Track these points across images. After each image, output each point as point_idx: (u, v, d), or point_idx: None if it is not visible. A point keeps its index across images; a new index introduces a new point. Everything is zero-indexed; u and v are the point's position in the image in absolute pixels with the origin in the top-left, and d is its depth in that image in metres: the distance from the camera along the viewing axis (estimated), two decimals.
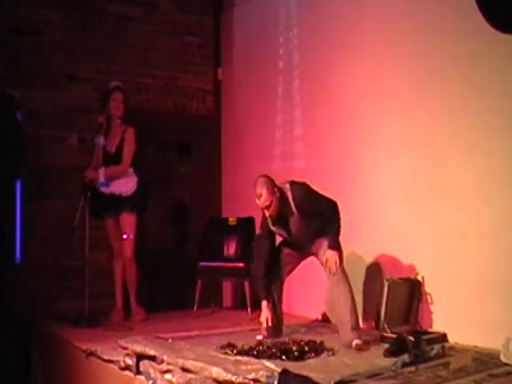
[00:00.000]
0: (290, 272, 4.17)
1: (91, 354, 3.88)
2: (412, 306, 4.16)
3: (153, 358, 3.47)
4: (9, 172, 4.96)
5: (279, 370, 3.01)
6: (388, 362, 3.33)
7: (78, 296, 4.95)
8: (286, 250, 4.12)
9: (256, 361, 3.33)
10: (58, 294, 5.29)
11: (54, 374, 4.50)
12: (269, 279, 4.07)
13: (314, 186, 3.99)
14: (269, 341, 3.87)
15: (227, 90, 6.33)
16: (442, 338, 3.90)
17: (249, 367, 3.17)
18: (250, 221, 5.43)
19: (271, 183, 3.90)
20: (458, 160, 4.04)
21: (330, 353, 3.61)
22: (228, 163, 6.29)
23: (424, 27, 4.27)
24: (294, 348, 3.60)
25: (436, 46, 4.19)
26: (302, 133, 5.36)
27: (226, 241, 5.44)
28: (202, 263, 5.20)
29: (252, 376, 2.99)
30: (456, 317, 3.95)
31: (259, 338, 3.98)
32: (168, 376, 3.29)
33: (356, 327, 3.79)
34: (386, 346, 3.60)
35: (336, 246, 3.85)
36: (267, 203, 3.85)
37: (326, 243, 3.88)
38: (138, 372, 3.48)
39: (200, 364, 3.22)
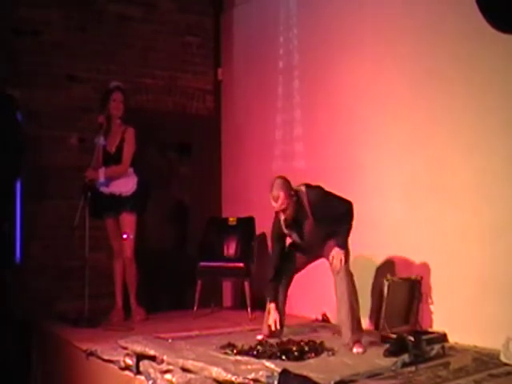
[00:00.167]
0: (297, 272, 4.16)
1: (91, 353, 3.88)
2: (412, 306, 4.16)
3: (153, 358, 3.47)
4: (9, 172, 4.96)
5: (279, 370, 3.01)
6: (388, 362, 3.33)
7: (78, 296, 4.95)
8: (294, 253, 4.08)
9: (256, 361, 3.33)
10: (58, 294, 5.29)
11: (53, 374, 4.50)
12: (277, 282, 4.05)
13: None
14: (269, 341, 3.87)
15: (227, 90, 6.33)
16: (442, 338, 3.90)
17: (249, 367, 3.17)
18: (249, 221, 5.44)
19: (288, 186, 3.83)
20: (458, 160, 4.04)
21: (330, 353, 3.61)
22: (228, 163, 6.29)
23: (424, 27, 4.27)
24: (294, 348, 3.60)
25: (436, 46, 4.19)
26: (302, 133, 5.36)
27: (226, 241, 5.44)
28: (202, 263, 5.20)
29: (252, 376, 2.99)
30: (456, 317, 3.95)
31: (259, 337, 3.98)
32: (168, 376, 3.29)
33: (357, 330, 3.76)
34: (386, 346, 3.60)
35: (343, 245, 3.82)
36: (284, 206, 3.78)
37: (333, 242, 3.84)
38: (138, 372, 3.47)
39: (200, 364, 3.22)
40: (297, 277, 4.27)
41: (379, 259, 4.49)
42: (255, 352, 3.54)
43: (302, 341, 3.81)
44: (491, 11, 3.73)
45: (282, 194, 3.76)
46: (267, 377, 2.95)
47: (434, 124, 4.21)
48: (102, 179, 4.90)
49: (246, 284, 5.12)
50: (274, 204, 3.81)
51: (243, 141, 6.05)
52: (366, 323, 4.32)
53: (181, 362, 3.31)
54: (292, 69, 5.47)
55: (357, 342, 3.72)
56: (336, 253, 3.79)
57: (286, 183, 3.84)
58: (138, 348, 3.57)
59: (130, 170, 5.01)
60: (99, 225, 5.00)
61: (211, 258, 5.28)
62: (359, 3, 4.81)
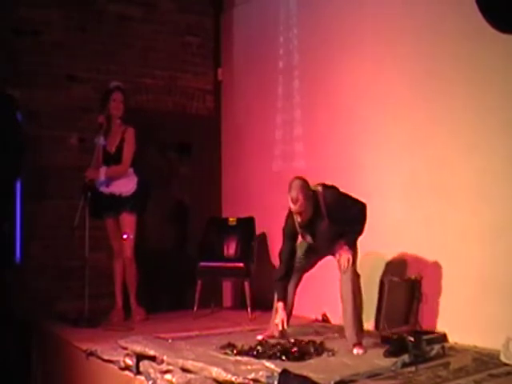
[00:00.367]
0: (306, 271, 4.14)
1: (91, 353, 3.88)
2: (412, 306, 4.16)
3: (153, 358, 3.47)
4: (9, 172, 4.96)
5: (279, 370, 3.01)
6: (388, 362, 3.33)
7: (78, 296, 4.95)
8: (306, 256, 4.06)
9: (256, 361, 3.33)
10: (58, 294, 5.29)
11: (53, 374, 4.50)
12: (287, 281, 4.03)
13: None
14: (269, 341, 3.86)
15: (227, 90, 6.33)
16: (442, 338, 3.90)
17: (249, 367, 3.17)
18: (249, 221, 5.44)
19: (308, 188, 3.76)
20: (458, 160, 4.04)
21: (330, 353, 3.61)
22: (228, 163, 6.29)
23: (424, 27, 4.27)
24: (294, 348, 3.60)
25: (436, 46, 4.20)
26: (302, 133, 5.36)
27: (226, 241, 5.44)
28: (202, 263, 5.20)
29: (252, 376, 2.99)
30: (456, 317, 3.95)
31: (259, 337, 3.98)
32: (168, 376, 3.29)
33: (358, 332, 3.75)
34: (386, 346, 3.59)
35: (351, 244, 3.81)
36: (301, 209, 3.74)
37: (343, 241, 3.83)
38: (138, 372, 3.47)
39: (200, 364, 3.22)
40: None
41: (379, 259, 4.48)
42: (255, 352, 3.54)
43: (301, 341, 3.81)
44: (491, 11, 3.73)
45: (301, 197, 3.70)
46: (267, 377, 2.95)
47: (434, 124, 4.21)
48: (102, 178, 4.90)
49: (246, 284, 5.12)
50: (291, 205, 3.76)
51: (243, 141, 6.05)
52: (367, 324, 4.32)
53: (181, 362, 3.31)
54: (292, 69, 5.47)
55: (359, 344, 3.71)
56: (344, 252, 3.78)
57: (306, 185, 3.77)
58: (138, 348, 3.57)
59: (130, 170, 5.01)
60: (99, 225, 5.00)
61: (211, 258, 5.28)
62: (359, 3, 4.81)
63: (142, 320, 5.01)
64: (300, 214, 3.77)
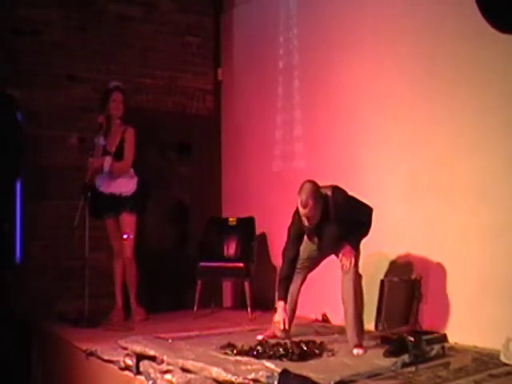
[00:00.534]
0: (310, 272, 4.13)
1: (91, 354, 3.88)
2: (412, 306, 4.16)
3: (153, 358, 3.47)
4: (9, 172, 4.96)
5: (279, 370, 3.01)
6: (388, 362, 3.33)
7: (78, 296, 4.95)
8: (310, 256, 4.06)
9: (256, 361, 3.32)
10: (58, 294, 5.29)
11: (54, 374, 4.50)
12: (289, 282, 4.02)
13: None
14: (269, 341, 3.86)
15: (227, 90, 6.33)
16: (442, 338, 3.89)
17: (249, 367, 3.16)
18: (250, 221, 5.44)
19: (318, 193, 3.74)
20: (458, 160, 4.04)
21: (330, 353, 3.61)
22: (228, 163, 6.29)
23: (424, 27, 4.27)
24: (294, 348, 3.60)
25: (436, 46, 4.19)
26: (302, 133, 5.36)
27: (226, 241, 5.44)
28: (202, 263, 5.20)
29: (252, 376, 2.99)
30: (456, 317, 3.95)
31: (259, 337, 3.98)
32: (168, 376, 3.29)
33: (359, 333, 3.75)
34: (386, 346, 3.59)
35: (354, 245, 3.81)
36: (311, 214, 3.73)
37: (346, 242, 3.83)
38: (138, 372, 3.47)
39: (200, 364, 3.22)
40: None
41: (379, 259, 4.48)
42: (255, 352, 3.54)
43: (301, 341, 3.81)
44: (491, 11, 3.73)
45: (310, 202, 3.69)
46: (267, 377, 2.95)
47: (434, 124, 4.21)
48: (106, 168, 4.89)
49: (246, 284, 5.12)
50: (300, 209, 3.74)
51: (243, 141, 6.05)
52: (368, 324, 4.31)
53: (181, 362, 3.31)
54: (292, 69, 5.47)
55: (359, 345, 3.71)
56: (346, 253, 3.78)
57: (316, 190, 3.75)
58: (138, 348, 3.57)
59: (131, 170, 5.01)
60: (99, 225, 5.00)
61: (211, 258, 5.28)
62: (359, 3, 4.81)
63: (142, 320, 5.01)
64: (308, 218, 3.76)
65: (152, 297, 5.41)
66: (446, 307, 4.04)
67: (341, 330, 4.00)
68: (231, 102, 6.26)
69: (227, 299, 6.09)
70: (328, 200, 3.80)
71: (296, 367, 3.14)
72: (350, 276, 3.77)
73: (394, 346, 3.52)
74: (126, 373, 3.55)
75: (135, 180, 4.99)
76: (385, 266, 4.43)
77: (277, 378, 2.92)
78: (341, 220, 3.79)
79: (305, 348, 3.64)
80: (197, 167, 6.22)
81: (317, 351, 3.61)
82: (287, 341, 3.86)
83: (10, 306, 4.90)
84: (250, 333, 4.25)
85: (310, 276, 4.26)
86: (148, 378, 3.37)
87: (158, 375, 3.34)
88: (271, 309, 4.18)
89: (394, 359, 3.33)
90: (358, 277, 3.80)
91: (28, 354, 4.86)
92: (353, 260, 3.76)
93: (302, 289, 4.13)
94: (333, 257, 3.97)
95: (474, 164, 3.95)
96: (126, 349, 3.68)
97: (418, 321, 4.14)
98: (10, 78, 5.17)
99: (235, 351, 3.58)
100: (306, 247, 4.04)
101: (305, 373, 2.99)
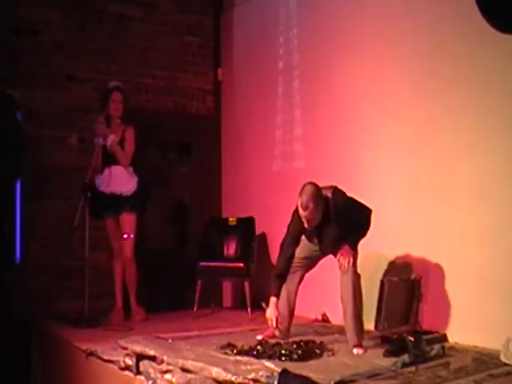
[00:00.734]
0: (307, 272, 4.13)
1: (91, 353, 3.88)
2: (412, 306, 4.16)
3: (153, 358, 3.47)
4: (9, 172, 4.96)
5: (279, 370, 3.01)
6: (388, 362, 3.33)
7: (78, 296, 4.95)
8: (308, 255, 4.06)
9: (256, 361, 3.32)
10: (58, 294, 5.29)
11: (53, 374, 4.50)
12: (284, 279, 4.02)
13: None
14: (269, 341, 3.86)
15: (227, 90, 6.33)
16: (442, 338, 3.90)
17: (249, 367, 3.16)
18: (250, 221, 5.44)
19: (319, 195, 3.73)
20: (458, 160, 4.04)
21: (330, 353, 3.61)
22: (228, 163, 6.29)
23: (424, 27, 4.27)
24: (294, 348, 3.60)
25: (436, 46, 4.20)
26: (302, 133, 5.36)
27: (226, 241, 5.44)
28: (202, 263, 5.20)
29: (252, 376, 2.99)
30: (456, 317, 3.95)
31: (259, 337, 3.98)
32: (168, 376, 3.29)
33: (359, 333, 3.75)
34: (386, 346, 3.60)
35: (353, 245, 3.81)
36: (311, 217, 3.73)
37: (345, 243, 3.82)
38: (138, 372, 3.48)
39: (200, 364, 3.22)
40: None
41: (379, 259, 4.49)
42: (255, 352, 3.54)
43: (301, 341, 3.81)
44: (491, 11, 3.73)
45: (311, 205, 3.68)
46: (267, 377, 2.95)
47: (434, 124, 4.21)
48: (109, 143, 4.88)
49: (246, 284, 5.12)
50: (301, 211, 3.74)
51: (243, 141, 6.05)
52: (367, 324, 4.32)
53: (181, 362, 3.31)
54: (292, 69, 5.47)
55: (359, 345, 3.71)
56: (345, 253, 3.78)
57: (317, 193, 3.73)
58: (138, 348, 3.57)
59: (130, 169, 5.01)
60: (99, 225, 5.00)
61: (211, 258, 5.28)
62: (359, 3, 4.81)
63: (142, 320, 5.01)
64: (308, 220, 3.76)
65: (152, 297, 5.41)
66: (445, 307, 4.04)
67: (341, 330, 4.00)
68: (231, 102, 6.26)
69: (227, 299, 6.09)
70: (328, 202, 3.79)
71: (296, 367, 3.14)
72: (348, 276, 3.77)
73: (393, 345, 3.53)
74: (126, 373, 3.55)
75: (135, 179, 5.00)
76: (385, 266, 4.43)
77: (277, 377, 2.92)
78: (340, 221, 3.79)
79: (305, 348, 3.64)
80: (197, 167, 6.22)
81: (317, 351, 3.61)
82: (287, 340, 3.87)
83: (10, 306, 4.90)
84: (249, 333, 4.25)
85: (309, 276, 4.26)
86: (148, 377, 3.37)
87: (158, 375, 3.34)
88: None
89: (394, 359, 3.33)
90: (356, 276, 3.80)
91: (28, 354, 4.86)
92: (351, 260, 3.76)
93: (300, 288, 4.12)
94: (332, 257, 3.97)
95: (474, 164, 3.95)
96: (126, 349, 3.68)
97: (418, 321, 4.14)
98: (10, 78, 5.17)
99: (235, 351, 3.58)
100: (304, 247, 4.03)
101: (305, 373, 3.00)
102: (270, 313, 3.96)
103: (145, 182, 5.06)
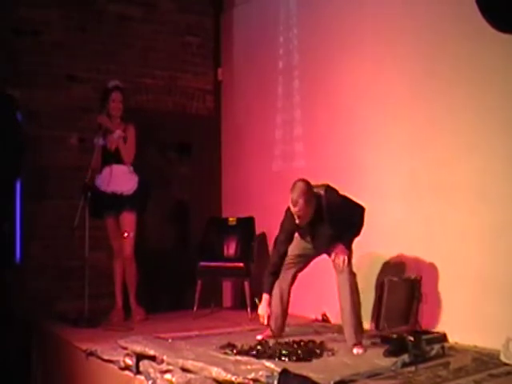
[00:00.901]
0: (300, 271, 4.14)
1: (91, 354, 3.88)
2: (412, 305, 4.16)
3: (153, 358, 3.47)
4: (9, 172, 4.96)
5: (279, 369, 3.01)
6: (388, 362, 3.33)
7: (78, 296, 4.95)
8: (301, 253, 4.07)
9: (256, 361, 3.32)
10: (58, 294, 5.29)
11: (53, 374, 4.50)
12: (276, 277, 4.03)
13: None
14: (269, 341, 3.87)
15: (227, 90, 6.33)
16: (442, 338, 3.90)
17: (249, 367, 3.16)
18: (249, 221, 5.44)
19: (309, 192, 3.74)
20: (458, 160, 4.04)
21: (330, 353, 3.61)
22: (228, 163, 6.29)
23: (424, 27, 4.27)
24: (294, 348, 3.60)
25: (436, 46, 4.20)
26: (302, 133, 5.36)
27: (226, 241, 5.44)
28: (202, 263, 5.20)
29: (252, 376, 2.99)
30: (456, 317, 3.95)
31: (259, 337, 3.98)
32: (168, 376, 3.28)
33: (357, 331, 3.75)
34: (386, 346, 3.60)
35: (347, 244, 3.81)
36: (301, 213, 3.74)
37: (339, 242, 3.83)
38: (138, 372, 3.47)
39: (200, 364, 3.21)
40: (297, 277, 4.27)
41: (379, 259, 4.49)
42: (255, 352, 3.54)
43: (301, 341, 3.81)
44: (491, 11, 3.73)
45: (301, 201, 3.70)
46: (267, 377, 2.95)
47: (434, 124, 4.21)
48: (116, 135, 4.90)
49: (246, 284, 5.12)
50: (291, 207, 3.76)
51: (243, 141, 6.05)
52: (367, 323, 4.32)
53: (181, 362, 3.30)
54: (292, 69, 5.47)
55: (358, 343, 3.71)
56: (340, 252, 3.78)
57: (308, 189, 3.75)
58: (138, 348, 3.57)
59: (131, 168, 5.01)
60: (99, 225, 5.00)
61: (211, 258, 5.28)
62: (359, 3, 4.81)
63: (142, 320, 5.01)
64: (299, 217, 3.78)
65: (152, 297, 5.41)
66: (446, 307, 4.04)
67: (340, 330, 3.99)
68: (231, 102, 6.26)
69: (227, 299, 6.09)
70: (320, 199, 3.80)
71: (296, 367, 3.14)
72: (344, 275, 3.78)
73: (393, 345, 3.52)
74: (126, 373, 3.55)
75: (136, 179, 5.00)
76: (385, 266, 4.43)
77: (277, 377, 2.92)
78: (334, 220, 3.80)
79: (305, 348, 3.64)
80: (197, 167, 6.23)
81: (317, 351, 3.61)
82: (281, 340, 3.86)
83: (10, 306, 4.90)
84: (249, 333, 4.25)
85: (309, 276, 4.26)
86: (148, 377, 3.37)
87: (158, 375, 3.33)
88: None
89: (394, 359, 3.33)
90: (352, 275, 3.81)
91: (28, 354, 4.86)
92: (346, 259, 3.77)
93: (295, 288, 4.13)
94: (327, 256, 3.98)
95: (474, 164, 3.95)
96: (125, 349, 3.68)
97: (418, 321, 4.14)
98: (10, 78, 5.18)
99: (235, 351, 3.58)
100: (297, 244, 4.04)
101: (305, 373, 2.99)
102: (262, 310, 3.97)
103: (145, 181, 5.06)
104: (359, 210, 3.89)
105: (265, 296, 3.98)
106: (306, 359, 3.45)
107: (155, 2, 6.05)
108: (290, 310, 4.26)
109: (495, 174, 3.83)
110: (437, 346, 3.55)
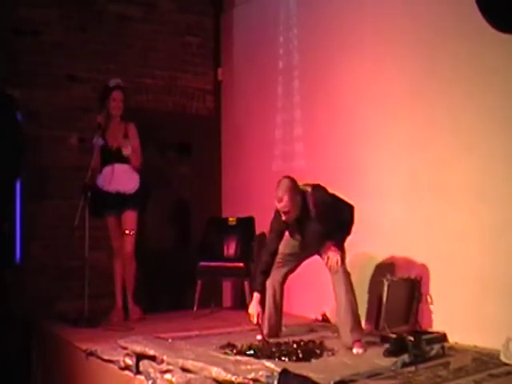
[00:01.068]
0: (293, 271, 4.16)
1: (91, 353, 3.88)
2: (412, 305, 4.16)
3: (153, 358, 3.47)
4: (9, 172, 4.96)
5: (279, 369, 3.01)
6: (388, 362, 3.33)
7: (78, 296, 4.94)
8: (292, 252, 4.09)
9: (256, 361, 3.32)
10: (58, 294, 5.29)
11: (54, 374, 4.50)
12: (267, 276, 4.04)
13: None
14: (271, 340, 3.87)
15: (227, 90, 6.33)
16: (442, 338, 3.90)
17: (249, 367, 3.16)
18: (249, 221, 5.44)
19: (294, 189, 3.78)
20: (458, 160, 4.04)
21: (330, 353, 3.61)
22: (228, 163, 6.30)
23: (424, 27, 4.27)
24: (294, 348, 3.60)
25: (436, 46, 4.20)
26: (302, 133, 5.36)
27: (226, 241, 5.44)
28: (202, 263, 5.20)
29: (252, 376, 2.99)
30: (456, 317, 3.95)
31: (259, 337, 3.98)
32: (168, 376, 3.28)
33: (356, 329, 3.76)
34: (386, 346, 3.60)
35: (339, 245, 3.82)
36: (286, 209, 3.76)
37: (330, 243, 3.84)
38: (138, 372, 3.47)
39: (200, 364, 3.21)
40: (297, 277, 4.28)
41: (379, 259, 4.49)
42: (255, 352, 3.53)
43: (301, 341, 3.82)
44: (491, 11, 3.73)
45: (286, 197, 3.73)
46: (267, 377, 2.95)
47: (434, 124, 4.21)
48: (126, 152, 4.90)
49: (246, 284, 5.11)
50: (276, 204, 3.79)
51: (243, 141, 6.05)
52: (365, 323, 4.32)
53: (181, 361, 3.30)
54: (292, 69, 5.47)
55: (357, 341, 3.72)
56: (332, 254, 3.79)
57: (293, 185, 3.78)
58: (138, 348, 3.57)
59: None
60: (99, 225, 5.00)
61: (211, 258, 5.28)
62: (359, 3, 4.81)
63: (139, 319, 4.99)
64: (285, 213, 3.80)
65: (152, 297, 5.42)
66: (445, 307, 4.04)
67: None
68: (231, 102, 6.26)
69: (227, 299, 6.09)
70: (307, 197, 3.82)
71: (296, 367, 3.14)
72: (339, 275, 3.79)
73: (393, 345, 3.52)
74: (126, 372, 3.55)
75: (138, 178, 5.00)
76: (384, 266, 4.43)
77: (277, 377, 2.92)
78: (322, 218, 3.81)
79: (305, 348, 3.64)
80: (197, 167, 6.23)
81: (317, 351, 3.61)
82: (287, 340, 3.87)
83: (10, 306, 4.90)
84: (249, 333, 4.24)
85: (309, 276, 4.26)
86: (148, 377, 3.37)
87: (158, 375, 3.33)
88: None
89: (394, 359, 3.33)
90: (347, 274, 3.82)
91: (28, 354, 4.86)
92: (339, 259, 3.78)
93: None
94: (319, 257, 3.98)
95: (474, 164, 3.95)
96: (125, 349, 3.67)
97: (418, 321, 4.14)
98: (10, 78, 5.18)
99: (235, 351, 3.58)
100: (288, 243, 4.06)
101: (305, 373, 2.99)
102: (252, 309, 3.97)
103: (146, 180, 5.06)
104: (348, 208, 3.89)
105: (256, 295, 3.98)
106: (306, 359, 3.46)
107: (155, 1, 6.05)
108: (289, 310, 4.27)
109: (495, 174, 3.83)
110: (437, 346, 3.55)
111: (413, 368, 3.22)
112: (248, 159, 5.94)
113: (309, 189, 3.86)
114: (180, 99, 6.20)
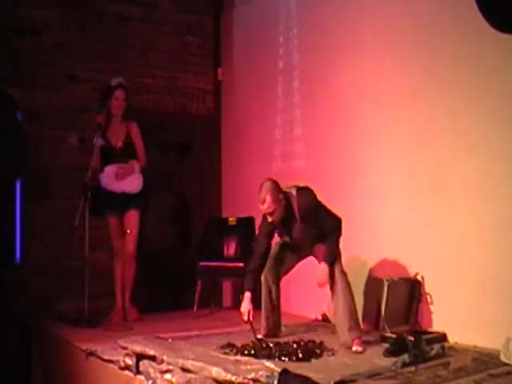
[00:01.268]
0: (287, 271, 4.17)
1: (91, 353, 3.87)
2: (412, 305, 4.16)
3: (153, 358, 3.47)
4: (9, 172, 4.96)
5: (279, 369, 3.01)
6: (388, 362, 3.34)
7: (78, 296, 4.94)
8: (284, 252, 4.11)
9: (256, 361, 3.32)
10: (58, 294, 5.29)
11: (54, 374, 4.50)
12: (258, 275, 4.06)
13: (315, 188, 3.97)
14: (269, 341, 3.87)
15: (227, 90, 6.34)
16: (442, 338, 3.90)
17: (249, 367, 3.16)
18: (249, 221, 5.43)
19: (276, 189, 3.84)
20: (458, 160, 4.04)
21: (330, 353, 3.61)
22: (228, 163, 6.30)
23: (424, 27, 4.27)
24: (294, 348, 3.60)
25: (436, 46, 4.20)
26: (302, 133, 5.36)
27: (226, 241, 5.44)
28: (202, 263, 5.20)
29: (252, 376, 2.99)
30: (456, 317, 3.95)
31: (259, 337, 3.98)
32: (168, 376, 3.28)
33: (354, 327, 3.76)
34: (386, 346, 3.60)
35: (330, 260, 3.82)
36: (270, 210, 3.82)
37: (322, 248, 3.86)
38: (138, 372, 3.47)
39: (200, 364, 3.21)
40: (296, 277, 4.28)
41: (379, 259, 4.49)
42: (254, 351, 3.53)
43: (301, 341, 3.82)
44: (491, 11, 3.73)
45: (268, 198, 3.79)
46: (267, 377, 2.95)
47: (434, 124, 4.21)
48: (137, 170, 4.96)
49: None
50: (260, 206, 3.85)
51: (243, 141, 6.05)
52: (364, 323, 4.32)
53: (181, 361, 3.30)
54: (292, 69, 5.47)
55: (355, 339, 3.72)
56: (321, 268, 3.81)
57: (275, 187, 3.85)
58: (138, 348, 3.57)
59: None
60: (99, 225, 5.00)
61: (211, 258, 5.28)
62: (359, 3, 4.81)
63: (135, 320, 4.98)
64: (269, 214, 3.85)
65: (152, 296, 5.41)
66: (445, 307, 4.04)
67: None
68: (231, 102, 6.26)
69: (227, 299, 6.09)
70: (291, 198, 3.86)
71: (296, 367, 3.14)
72: (336, 276, 3.81)
73: (393, 345, 3.53)
74: (126, 372, 3.55)
75: (141, 177, 5.01)
76: (385, 266, 4.43)
77: (277, 377, 2.92)
78: (306, 219, 3.85)
79: (305, 348, 3.64)
80: (197, 167, 6.22)
81: (317, 351, 3.61)
82: (287, 340, 3.87)
83: (10, 306, 4.90)
84: (249, 333, 4.24)
85: (309, 276, 4.25)
86: (148, 377, 3.37)
87: (158, 375, 3.33)
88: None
89: (393, 359, 3.34)
90: (343, 274, 3.84)
91: (28, 354, 4.86)
92: (327, 274, 3.80)
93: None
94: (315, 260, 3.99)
95: (474, 164, 3.95)
96: (125, 349, 3.67)
97: (418, 321, 4.14)
98: (10, 78, 5.18)
99: (235, 351, 3.59)
100: (279, 245, 4.11)
101: (305, 373, 2.99)
102: (244, 307, 3.99)
103: (147, 180, 5.07)
104: (333, 221, 3.89)
105: (246, 294, 4.01)
106: (306, 359, 3.46)
107: (155, 1, 6.06)
108: (289, 310, 4.27)
109: (495, 174, 3.83)
110: (437, 346, 3.55)
111: (413, 368, 3.22)
112: (248, 159, 5.94)
113: (293, 191, 3.91)
114: (180, 99, 6.20)
